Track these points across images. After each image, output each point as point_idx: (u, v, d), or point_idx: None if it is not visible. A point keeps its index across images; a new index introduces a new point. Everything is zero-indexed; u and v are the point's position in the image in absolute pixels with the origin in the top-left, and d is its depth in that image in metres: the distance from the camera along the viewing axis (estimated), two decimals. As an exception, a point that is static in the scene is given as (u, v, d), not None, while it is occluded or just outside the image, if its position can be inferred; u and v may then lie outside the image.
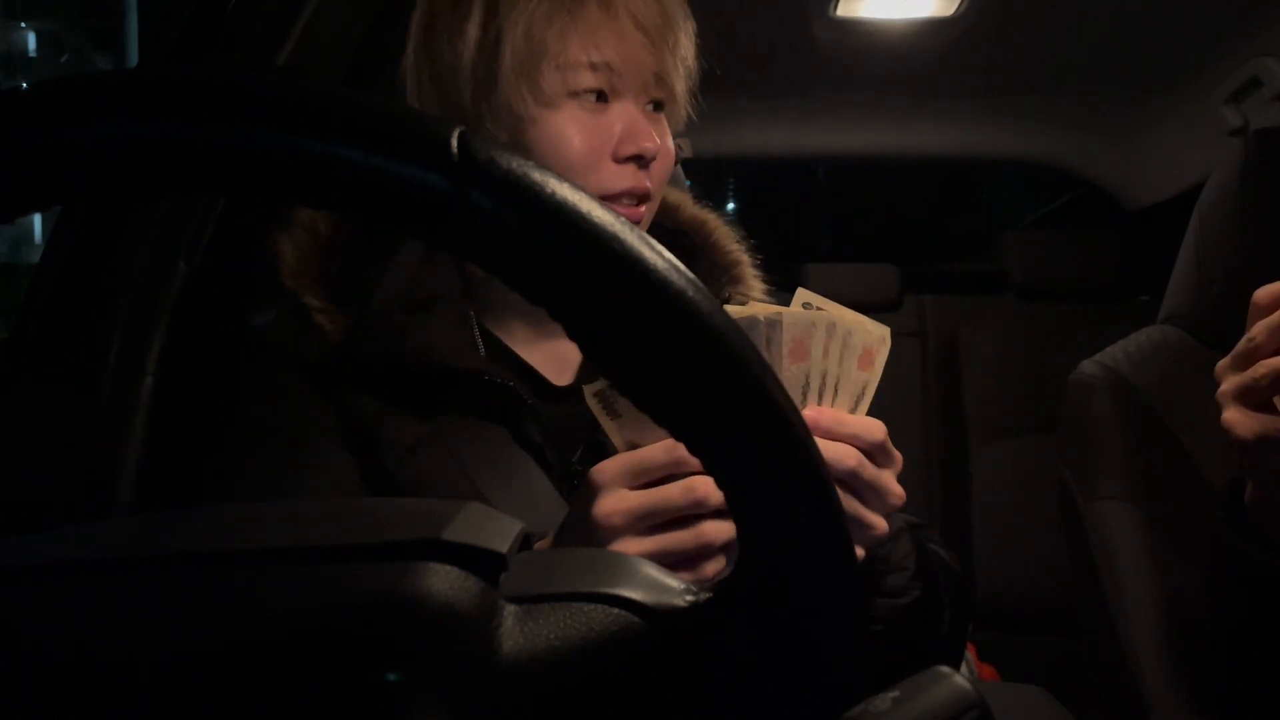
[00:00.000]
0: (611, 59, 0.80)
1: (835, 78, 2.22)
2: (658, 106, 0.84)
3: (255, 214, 0.99)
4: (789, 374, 0.67)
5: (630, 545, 0.62)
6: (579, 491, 0.66)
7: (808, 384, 0.68)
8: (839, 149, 2.58)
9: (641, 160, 0.81)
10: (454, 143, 0.31)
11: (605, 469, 0.64)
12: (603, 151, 0.81)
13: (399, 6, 0.87)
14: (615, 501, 0.63)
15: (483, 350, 0.84)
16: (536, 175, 0.31)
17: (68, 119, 0.31)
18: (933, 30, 1.95)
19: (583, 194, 0.32)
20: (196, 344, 0.97)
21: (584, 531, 0.63)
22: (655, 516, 0.62)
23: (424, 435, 0.79)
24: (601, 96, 0.81)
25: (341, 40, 1.13)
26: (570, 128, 0.80)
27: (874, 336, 0.69)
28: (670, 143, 0.85)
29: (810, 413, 0.67)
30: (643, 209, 0.84)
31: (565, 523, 0.67)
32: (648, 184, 0.82)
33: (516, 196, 0.31)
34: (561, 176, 0.32)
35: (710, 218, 0.97)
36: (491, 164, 0.31)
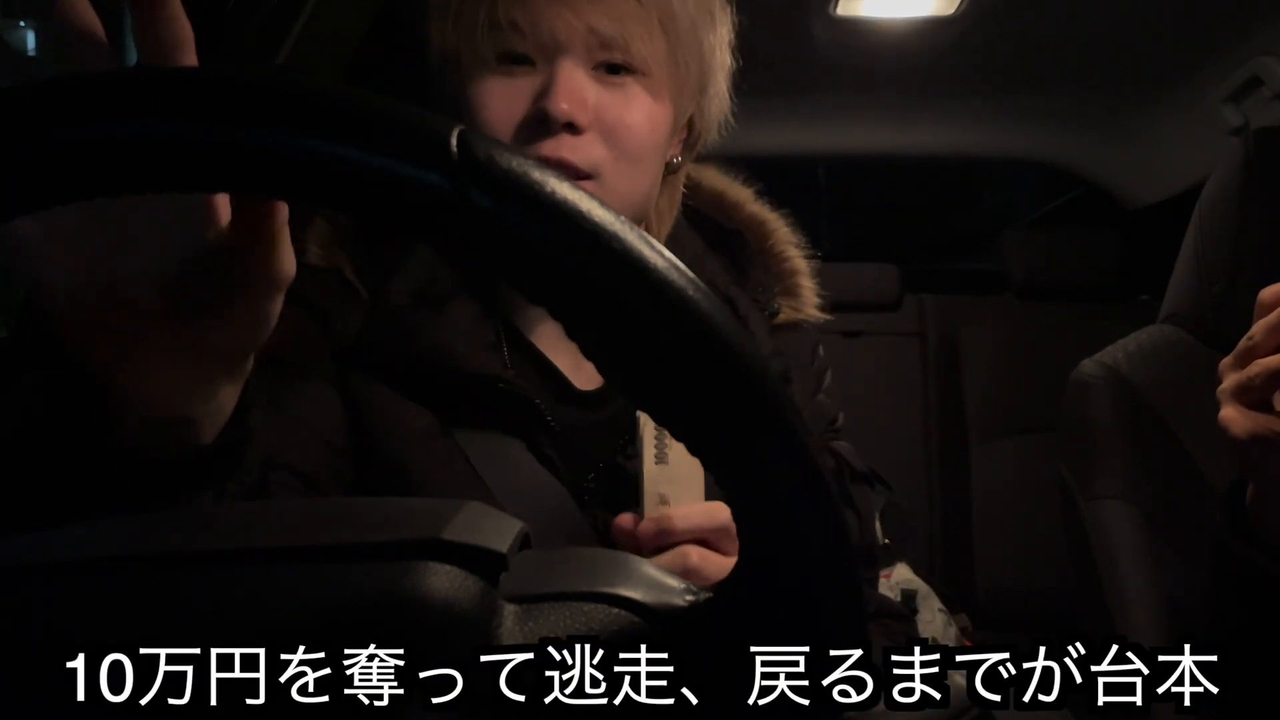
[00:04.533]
0: (517, 18, 0.73)
1: (835, 77, 2.22)
2: (613, 70, 0.75)
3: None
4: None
5: None
6: None
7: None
8: (839, 148, 2.57)
9: (548, 126, 0.72)
10: (454, 141, 0.31)
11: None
12: (509, 118, 0.74)
13: (399, 6, 0.86)
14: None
15: (505, 348, 0.80)
16: (536, 174, 0.31)
17: (68, 118, 0.31)
18: (933, 29, 1.95)
19: (583, 193, 0.32)
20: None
21: None
22: None
23: (431, 431, 0.76)
24: (525, 61, 0.74)
25: (341, 40, 1.13)
26: (480, 94, 0.74)
27: None
28: (631, 115, 0.75)
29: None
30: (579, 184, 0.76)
31: None
32: (564, 155, 0.72)
33: (516, 195, 0.31)
34: (561, 176, 0.32)
35: (770, 218, 0.91)
36: (491, 162, 0.31)
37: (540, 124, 0.73)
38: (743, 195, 0.92)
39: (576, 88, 0.73)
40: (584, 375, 0.83)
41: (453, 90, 0.76)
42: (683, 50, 0.77)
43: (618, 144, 0.75)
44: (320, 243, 0.80)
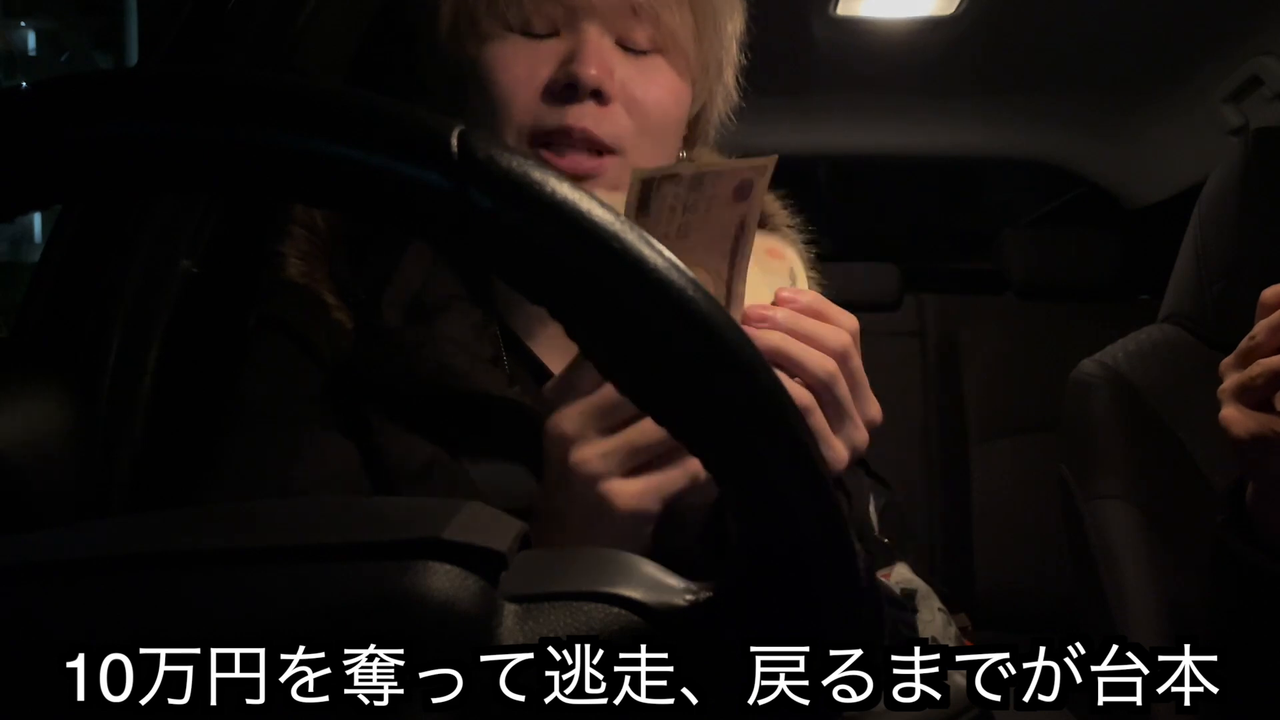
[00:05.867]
0: None
1: (835, 77, 2.22)
2: (637, 51, 0.74)
3: (257, 213, 0.98)
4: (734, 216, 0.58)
5: (623, 490, 0.58)
6: (547, 448, 0.61)
7: (743, 230, 0.59)
8: (839, 148, 2.58)
9: (575, 91, 0.70)
10: (454, 141, 0.31)
11: (567, 419, 0.59)
12: (533, 84, 0.71)
13: (399, 6, 0.86)
14: (592, 452, 0.58)
15: (504, 355, 0.77)
16: (536, 173, 0.31)
17: (69, 118, 0.31)
18: (933, 29, 1.95)
19: (583, 192, 0.32)
20: (197, 343, 0.97)
21: (568, 491, 0.59)
22: (640, 456, 0.58)
23: (435, 456, 0.72)
24: (549, 33, 0.72)
25: (341, 40, 1.13)
26: (499, 59, 0.72)
27: (746, 167, 0.58)
28: (656, 92, 0.73)
29: (788, 293, 0.61)
30: (601, 161, 0.72)
31: (547, 486, 0.62)
32: (588, 125, 0.70)
33: (516, 194, 0.31)
34: (561, 175, 0.32)
35: (768, 200, 0.87)
36: (491, 162, 0.31)
37: (567, 89, 0.70)
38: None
39: (605, 55, 0.71)
40: None
41: (465, 57, 0.74)
42: (708, 30, 0.76)
43: (642, 118, 0.73)
44: (300, 254, 0.77)
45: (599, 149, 0.71)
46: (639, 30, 0.73)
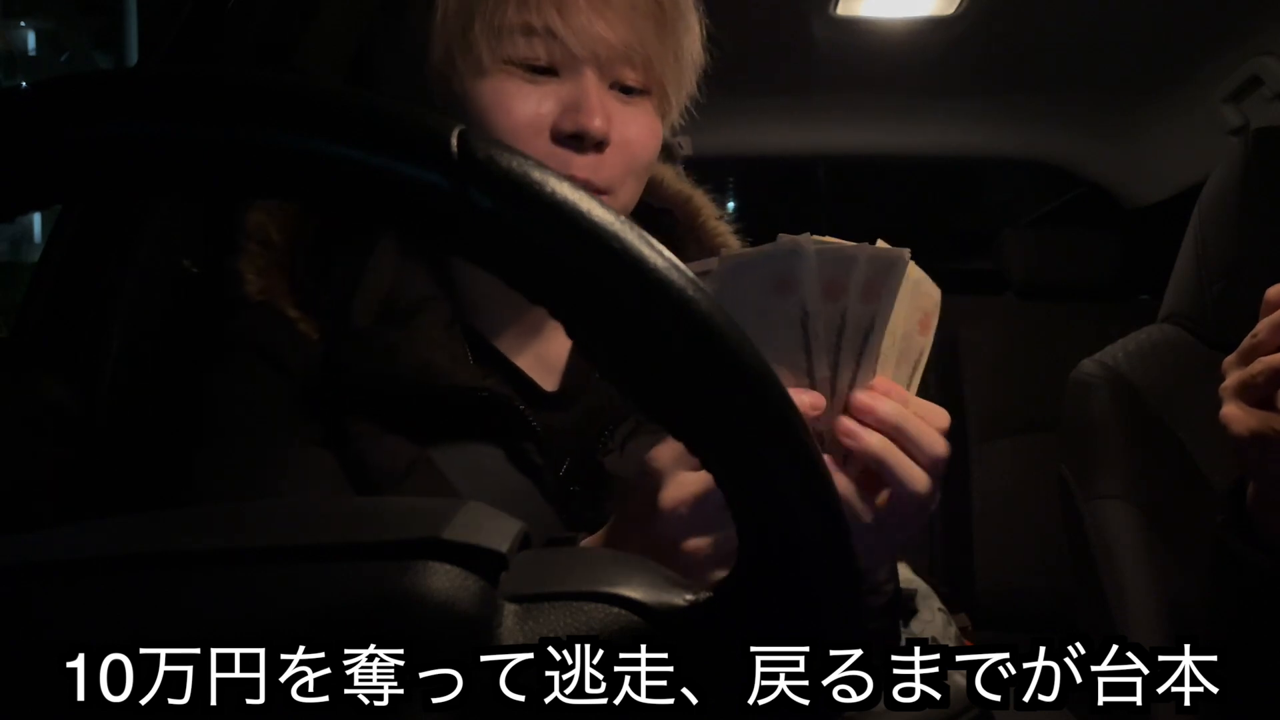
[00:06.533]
0: (554, 25, 0.72)
1: (835, 77, 2.22)
2: (628, 91, 0.76)
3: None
4: (857, 313, 0.59)
5: (695, 542, 0.58)
6: (638, 481, 0.61)
7: (872, 329, 0.60)
8: (839, 148, 2.57)
9: (581, 141, 0.72)
10: (453, 141, 0.31)
11: (663, 454, 0.59)
12: (537, 127, 0.73)
13: (399, 6, 0.86)
14: (677, 490, 0.58)
15: (471, 356, 0.78)
16: (536, 174, 0.31)
17: (69, 119, 0.31)
18: (932, 29, 1.95)
19: (583, 192, 0.32)
20: (196, 343, 0.97)
21: (647, 523, 0.59)
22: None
23: (415, 457, 0.73)
24: (548, 70, 0.74)
25: (341, 40, 1.13)
26: (501, 98, 0.73)
27: (932, 300, 0.63)
28: (643, 133, 0.77)
29: (883, 383, 0.61)
30: None
31: (629, 512, 0.62)
32: (589, 176, 0.73)
33: (516, 194, 0.31)
34: (561, 176, 0.32)
35: (695, 194, 0.91)
36: (491, 162, 0.31)
37: (572, 139, 0.73)
38: (665, 172, 0.92)
39: (605, 104, 0.74)
40: (549, 377, 0.82)
41: (461, 88, 0.75)
42: (686, 71, 0.80)
43: (631, 160, 0.76)
44: (256, 270, 0.77)
45: (594, 190, 0.74)
46: (630, 73, 0.76)
